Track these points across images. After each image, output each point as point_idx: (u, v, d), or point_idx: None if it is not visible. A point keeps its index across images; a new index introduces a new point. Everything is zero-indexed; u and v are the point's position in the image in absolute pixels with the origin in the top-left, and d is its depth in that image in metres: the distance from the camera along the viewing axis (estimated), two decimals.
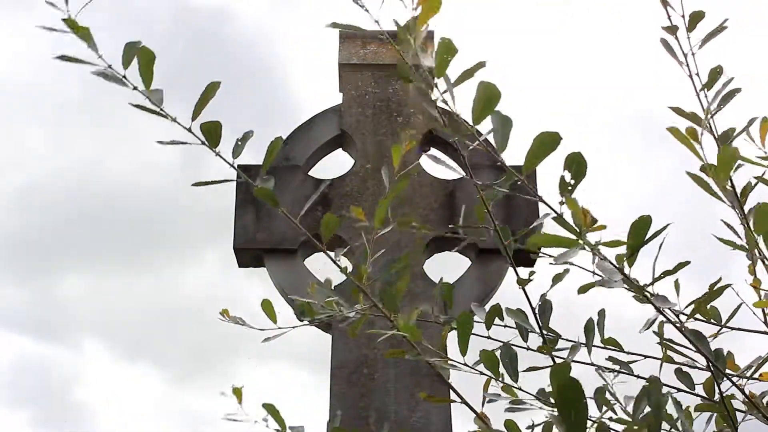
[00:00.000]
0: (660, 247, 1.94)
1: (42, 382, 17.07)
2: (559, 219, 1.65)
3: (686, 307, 1.84)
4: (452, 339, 1.92)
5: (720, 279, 2.03)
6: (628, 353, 2.05)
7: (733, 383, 1.83)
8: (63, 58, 1.66)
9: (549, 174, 1.70)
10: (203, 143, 1.71)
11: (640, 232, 1.57)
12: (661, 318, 1.77)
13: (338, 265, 1.83)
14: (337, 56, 4.08)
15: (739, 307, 1.98)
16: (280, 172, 3.85)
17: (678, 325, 1.79)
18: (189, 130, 1.71)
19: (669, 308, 1.77)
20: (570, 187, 1.64)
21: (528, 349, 1.91)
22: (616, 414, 2.00)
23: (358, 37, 4.13)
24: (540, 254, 1.96)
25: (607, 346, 2.00)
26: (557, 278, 1.92)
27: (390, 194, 1.86)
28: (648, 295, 1.69)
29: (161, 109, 1.71)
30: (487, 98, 1.62)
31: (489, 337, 2.01)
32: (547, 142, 1.59)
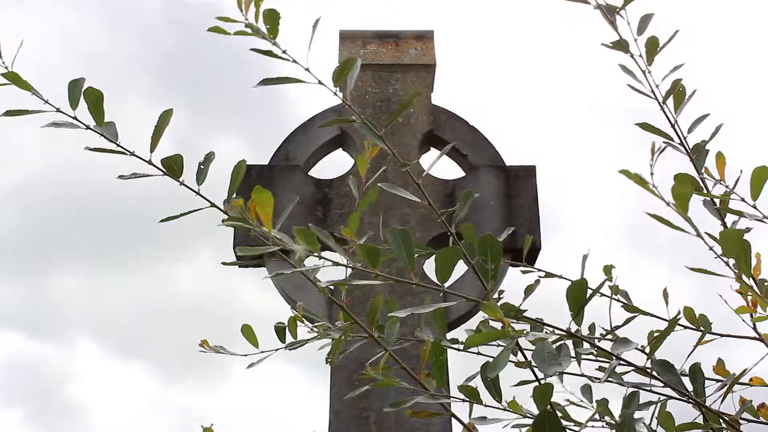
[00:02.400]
0: (610, 304, 1.96)
1: (35, 380, 17.07)
2: (482, 323, 1.70)
3: (646, 346, 1.84)
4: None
5: (678, 313, 2.06)
6: (619, 359, 2.05)
7: (710, 409, 1.83)
8: (9, 113, 1.70)
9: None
10: (165, 174, 1.73)
11: (577, 299, 1.59)
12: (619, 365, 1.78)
13: (317, 286, 1.85)
14: (337, 56, 4.08)
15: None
16: (280, 172, 3.85)
17: (644, 365, 1.79)
18: (149, 162, 1.73)
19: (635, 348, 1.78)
20: (492, 273, 1.67)
21: (517, 364, 1.91)
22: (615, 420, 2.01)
23: (358, 37, 4.13)
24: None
25: (599, 359, 2.00)
26: (529, 290, 1.93)
27: (360, 206, 1.86)
28: (606, 349, 1.70)
29: (118, 144, 1.73)
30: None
31: (479, 353, 2.00)
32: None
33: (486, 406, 1.82)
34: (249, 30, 1.74)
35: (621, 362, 1.70)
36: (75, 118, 1.73)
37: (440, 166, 3.87)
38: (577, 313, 1.57)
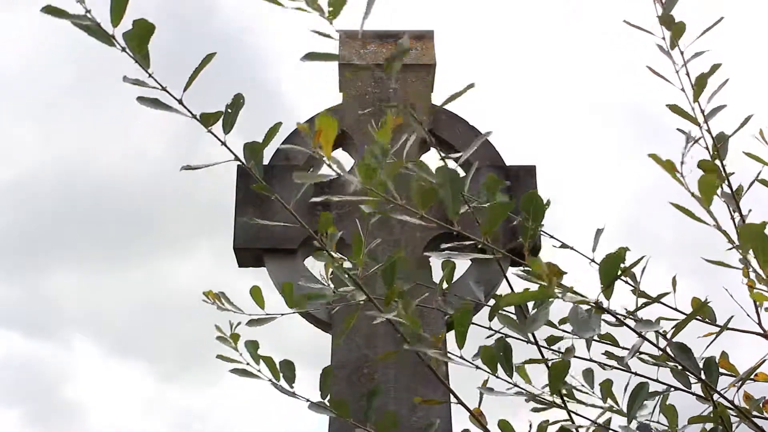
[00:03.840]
0: (642, 272, 1.95)
1: (31, 379, 17.05)
2: (525, 274, 1.66)
3: (670, 330, 1.84)
4: (451, 337, 1.92)
5: (706, 300, 2.05)
6: (623, 348, 2.05)
7: (722, 396, 1.83)
8: (48, 9, 1.60)
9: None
10: (193, 117, 1.67)
11: (611, 270, 1.57)
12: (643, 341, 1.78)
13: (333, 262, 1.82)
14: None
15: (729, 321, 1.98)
16: (280, 172, 3.85)
17: (664, 345, 1.79)
18: (180, 101, 1.67)
19: (655, 330, 1.77)
20: (532, 232, 1.66)
21: (528, 342, 1.90)
22: (617, 405, 2.01)
23: (358, 37, 4.13)
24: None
25: (603, 341, 2.00)
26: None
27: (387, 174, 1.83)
28: (630, 326, 1.69)
29: (150, 75, 1.66)
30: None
31: (490, 328, 1.99)
32: (499, 212, 1.58)
33: (498, 377, 1.81)
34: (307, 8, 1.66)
35: (646, 341, 1.69)
36: (113, 36, 1.65)
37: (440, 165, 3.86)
38: (608, 286, 1.56)
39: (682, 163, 1.89)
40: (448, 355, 1.84)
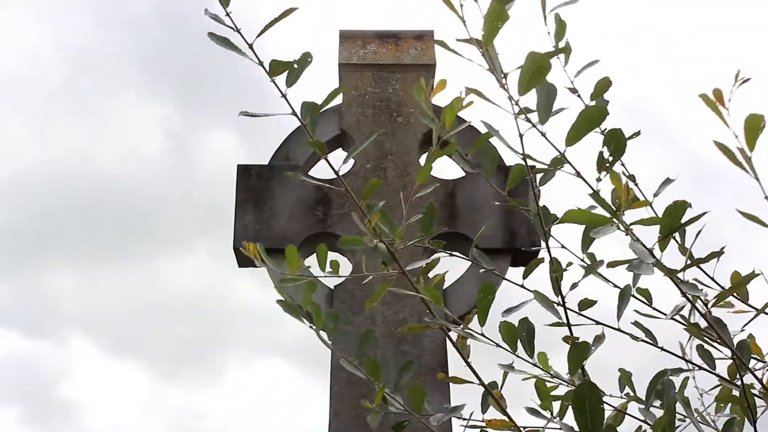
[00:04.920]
0: (697, 235, 1.90)
1: (30, 378, 17.04)
2: (596, 196, 1.62)
3: (714, 299, 1.81)
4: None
5: (753, 271, 1.98)
6: (655, 310, 1.99)
7: (753, 374, 1.81)
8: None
9: (584, 150, 1.67)
10: (260, 63, 1.64)
11: (675, 216, 1.54)
12: (688, 305, 1.76)
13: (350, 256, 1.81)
14: (337, 56, 4.08)
15: None
16: (280, 172, 3.85)
17: (704, 312, 1.76)
18: (250, 46, 1.64)
19: (697, 296, 1.75)
20: (608, 164, 1.62)
21: (554, 324, 1.86)
22: (634, 392, 1.99)
23: (358, 37, 4.13)
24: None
25: (639, 296, 1.92)
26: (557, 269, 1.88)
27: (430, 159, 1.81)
28: (678, 281, 1.67)
29: (228, 14, 1.64)
30: (537, 69, 1.57)
31: (512, 309, 1.95)
32: (592, 118, 1.55)
33: (518, 356, 1.80)
34: None
35: (689, 302, 1.67)
36: None
37: (440, 165, 3.87)
38: (665, 236, 1.54)
39: (729, 99, 1.82)
40: (467, 331, 1.83)
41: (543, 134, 1.63)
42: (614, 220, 1.52)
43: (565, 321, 1.80)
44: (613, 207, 1.54)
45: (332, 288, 3.70)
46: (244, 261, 3.80)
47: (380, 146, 3.92)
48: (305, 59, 1.75)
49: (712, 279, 2.05)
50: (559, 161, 1.70)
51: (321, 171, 4.00)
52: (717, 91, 1.75)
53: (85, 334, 18.60)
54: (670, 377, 1.73)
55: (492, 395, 1.84)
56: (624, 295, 1.83)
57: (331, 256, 4.03)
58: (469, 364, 1.88)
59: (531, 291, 1.84)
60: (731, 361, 1.86)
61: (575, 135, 1.59)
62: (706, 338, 1.83)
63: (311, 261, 3.78)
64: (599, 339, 1.82)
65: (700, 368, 1.90)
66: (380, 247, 1.77)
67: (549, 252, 1.83)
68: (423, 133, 3.96)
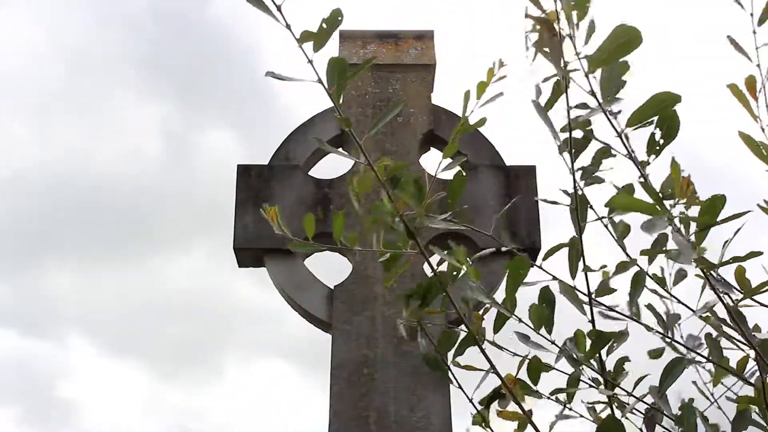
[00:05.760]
0: (736, 233, 1.87)
1: (28, 378, 17.04)
2: (645, 184, 1.57)
3: (741, 296, 1.79)
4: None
5: None
6: (672, 297, 1.96)
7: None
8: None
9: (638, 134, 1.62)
10: (287, 27, 1.59)
11: (713, 211, 1.51)
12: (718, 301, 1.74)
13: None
14: (338, 56, 4.08)
15: None
16: (280, 172, 3.85)
17: (730, 306, 1.74)
18: (279, 8, 1.59)
19: (727, 292, 1.73)
20: (658, 147, 1.58)
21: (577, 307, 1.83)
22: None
23: (358, 37, 4.13)
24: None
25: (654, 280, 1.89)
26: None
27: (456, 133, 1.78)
28: (711, 277, 1.65)
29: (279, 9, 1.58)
30: (627, 41, 1.49)
31: (527, 283, 1.91)
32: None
33: (540, 334, 1.77)
34: None
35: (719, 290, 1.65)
36: None
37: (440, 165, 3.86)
38: (702, 230, 1.50)
39: (759, 91, 1.76)
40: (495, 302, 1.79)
41: (607, 111, 1.56)
42: (663, 211, 1.45)
43: (589, 317, 1.77)
44: (659, 196, 1.49)
45: (332, 288, 3.70)
46: (244, 261, 3.80)
47: (380, 146, 3.92)
48: (335, 17, 1.66)
49: (718, 275, 2.04)
50: (606, 151, 1.66)
51: (321, 171, 4.00)
52: (750, 79, 1.70)
53: (84, 334, 18.60)
54: (674, 367, 1.71)
55: (503, 382, 1.81)
56: (637, 282, 1.80)
57: (331, 256, 4.04)
58: (483, 351, 1.84)
59: (557, 280, 1.79)
60: (742, 355, 1.85)
61: (639, 116, 1.52)
62: (728, 337, 1.82)
63: (312, 261, 3.79)
64: (622, 335, 1.79)
65: (709, 361, 1.88)
66: (398, 226, 1.75)
67: (581, 245, 1.79)
68: (423, 133, 3.96)
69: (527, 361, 1.85)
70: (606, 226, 1.79)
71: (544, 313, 1.75)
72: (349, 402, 3.47)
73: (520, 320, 1.79)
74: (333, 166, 3.99)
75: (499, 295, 2.02)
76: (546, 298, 1.77)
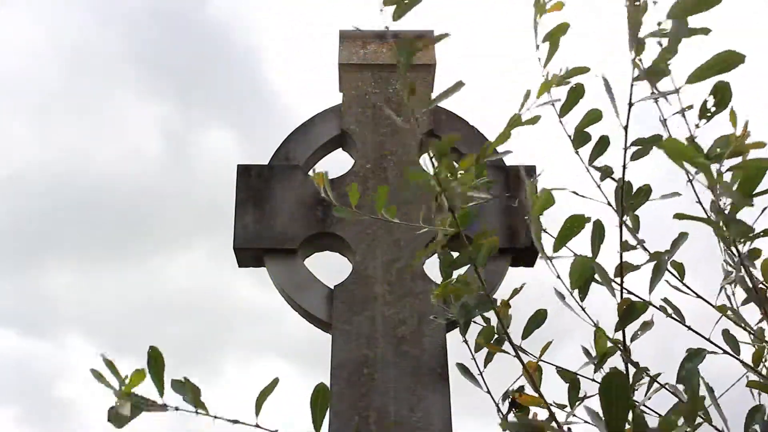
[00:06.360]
0: (763, 209, 1.86)
1: (27, 378, 17.03)
2: (691, 141, 1.60)
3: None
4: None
5: None
6: (688, 288, 1.96)
7: None
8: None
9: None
10: None
11: (751, 184, 1.46)
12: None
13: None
14: (337, 56, 4.08)
15: None
16: (280, 172, 3.85)
17: (756, 285, 1.75)
18: None
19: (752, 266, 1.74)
20: (709, 114, 1.62)
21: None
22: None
23: (358, 37, 4.13)
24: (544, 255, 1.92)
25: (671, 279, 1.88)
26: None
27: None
28: (740, 252, 1.66)
29: None
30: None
31: (549, 259, 1.89)
32: (727, 61, 1.48)
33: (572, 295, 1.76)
34: None
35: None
36: None
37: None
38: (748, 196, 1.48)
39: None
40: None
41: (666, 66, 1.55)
42: (707, 165, 1.44)
43: (618, 300, 1.75)
44: (705, 153, 1.51)
45: (332, 288, 3.70)
46: (244, 261, 3.80)
47: (380, 146, 3.92)
48: None
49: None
50: (658, 138, 1.69)
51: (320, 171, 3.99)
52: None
53: (83, 334, 18.60)
54: (693, 357, 1.71)
55: (525, 368, 1.79)
56: (658, 268, 1.79)
57: (331, 256, 4.04)
58: (508, 335, 1.82)
59: (594, 263, 1.77)
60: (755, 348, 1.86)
61: (700, 74, 1.52)
62: (742, 325, 1.82)
63: (312, 261, 3.79)
64: (647, 324, 1.79)
65: (725, 352, 1.89)
66: (442, 199, 1.73)
67: (621, 233, 1.78)
68: (423, 133, 3.96)
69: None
70: (623, 223, 1.80)
71: (586, 265, 1.72)
72: (349, 402, 3.47)
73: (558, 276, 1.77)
74: (333, 166, 3.99)
75: (499, 296, 2.02)
76: (583, 263, 1.74)
